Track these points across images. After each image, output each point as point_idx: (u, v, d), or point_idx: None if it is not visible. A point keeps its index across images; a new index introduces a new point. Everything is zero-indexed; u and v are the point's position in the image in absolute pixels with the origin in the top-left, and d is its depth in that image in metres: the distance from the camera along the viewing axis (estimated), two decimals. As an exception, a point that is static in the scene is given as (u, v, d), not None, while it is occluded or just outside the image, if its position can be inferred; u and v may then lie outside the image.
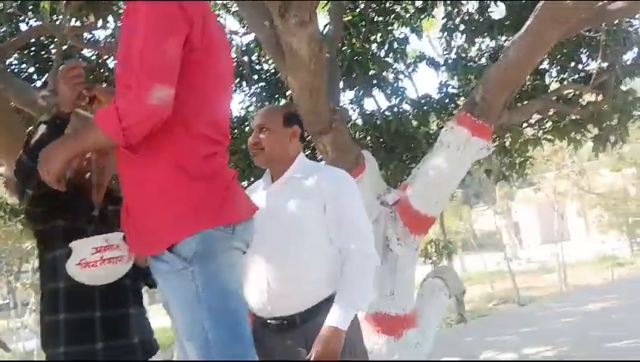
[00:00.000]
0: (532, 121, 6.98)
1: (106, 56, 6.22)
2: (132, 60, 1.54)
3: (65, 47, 6.27)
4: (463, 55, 7.12)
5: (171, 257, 1.56)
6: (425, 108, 6.72)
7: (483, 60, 7.20)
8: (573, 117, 6.72)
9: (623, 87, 6.53)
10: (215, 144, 1.64)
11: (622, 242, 17.91)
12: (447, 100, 7.08)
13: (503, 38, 6.87)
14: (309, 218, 2.17)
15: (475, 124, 3.20)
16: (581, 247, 19.01)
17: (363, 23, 6.72)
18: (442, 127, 7.40)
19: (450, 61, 7.07)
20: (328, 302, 2.19)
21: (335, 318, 2.11)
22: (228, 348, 1.56)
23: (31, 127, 2.34)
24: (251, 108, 7.40)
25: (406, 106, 6.94)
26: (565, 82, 6.77)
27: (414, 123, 6.93)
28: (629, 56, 6.67)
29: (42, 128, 2.14)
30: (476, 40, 6.85)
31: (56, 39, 6.21)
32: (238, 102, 7.92)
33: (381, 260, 3.42)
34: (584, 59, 6.75)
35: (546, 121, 6.92)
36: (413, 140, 6.87)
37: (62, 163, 1.63)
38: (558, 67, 6.93)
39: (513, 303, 11.56)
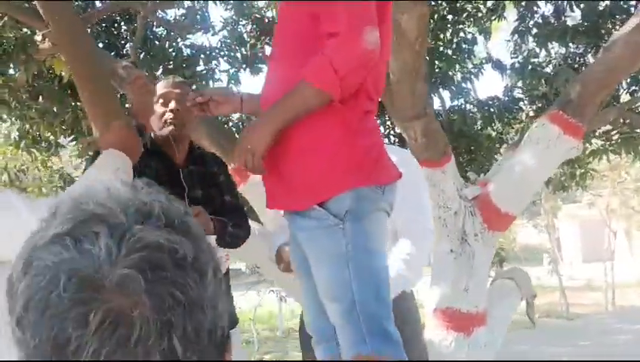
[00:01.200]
0: (599, 132, 6.80)
1: (176, 35, 6.27)
2: (334, 7, 1.46)
3: (136, 24, 6.37)
4: (532, 60, 6.98)
5: (321, 213, 1.51)
6: (491, 110, 6.62)
7: (550, 67, 7.05)
8: (641, 131, 6.53)
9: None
10: (372, 102, 1.59)
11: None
12: (511, 104, 6.98)
13: (574, 45, 6.74)
14: None
15: (568, 122, 3.11)
16: (625, 268, 18.53)
17: (433, 19, 6.65)
18: (502, 132, 7.45)
19: (517, 65, 6.96)
20: None
21: None
22: (372, 310, 1.52)
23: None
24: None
25: (469, 107, 6.87)
26: (636, 94, 6.58)
27: (478, 124, 6.85)
28: None
29: None
30: (548, 45, 6.71)
31: (127, 15, 6.32)
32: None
33: (458, 255, 3.36)
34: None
35: (614, 133, 6.73)
36: (475, 142, 6.79)
37: (268, 141, 1.51)
38: (629, 79, 6.73)
39: (557, 318, 11.34)
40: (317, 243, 1.56)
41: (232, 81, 6.79)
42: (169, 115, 2.25)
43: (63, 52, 3.41)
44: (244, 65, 6.97)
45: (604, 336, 8.40)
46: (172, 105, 2.26)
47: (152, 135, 2.29)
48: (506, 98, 7.02)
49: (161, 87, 2.31)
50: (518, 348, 5.23)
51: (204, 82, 6.47)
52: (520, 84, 7.14)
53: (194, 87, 5.94)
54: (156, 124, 2.26)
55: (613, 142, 6.79)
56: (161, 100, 2.27)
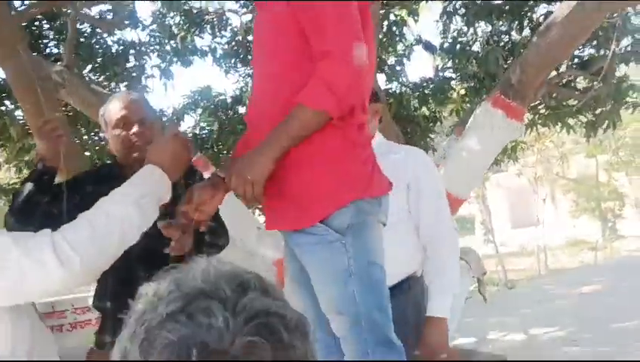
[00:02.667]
0: (528, 107, 7.04)
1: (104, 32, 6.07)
2: (322, 25, 1.44)
3: (58, 22, 6.12)
4: (460, 39, 7.14)
5: (321, 229, 1.50)
6: (425, 91, 6.75)
7: (477, 46, 7.24)
8: (567, 102, 6.81)
9: (618, 74, 6.63)
10: (364, 114, 1.59)
11: (594, 227, 18.36)
12: (443, 84, 7.13)
13: (499, 23, 6.95)
14: (394, 197, 2.16)
15: (510, 105, 3.22)
16: (552, 232, 19.39)
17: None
18: (438, 111, 7.61)
19: (446, 45, 7.11)
20: (407, 281, 2.21)
21: (437, 307, 2.13)
22: (376, 321, 1.54)
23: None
24: (245, 89, 7.36)
25: (404, 89, 6.98)
26: (561, 68, 6.84)
27: (411, 106, 6.96)
28: (623, 43, 6.77)
29: (29, 186, 2.05)
30: (475, 24, 6.88)
31: (50, 14, 6.05)
32: (232, 83, 7.83)
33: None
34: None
35: (542, 107, 6.99)
36: (411, 123, 6.91)
37: (269, 170, 1.47)
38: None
39: (496, 285, 11.76)
40: (318, 259, 1.54)
41: (164, 76, 6.66)
42: (134, 139, 2.10)
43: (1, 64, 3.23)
44: (175, 59, 6.84)
45: (545, 303, 8.81)
46: (135, 129, 2.11)
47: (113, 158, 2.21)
48: (438, 78, 7.17)
49: (115, 109, 2.14)
50: (465, 320, 5.41)
51: (134, 78, 6.32)
52: (450, 64, 7.31)
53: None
54: (118, 149, 2.14)
55: (541, 114, 7.06)
56: (121, 124, 2.12)
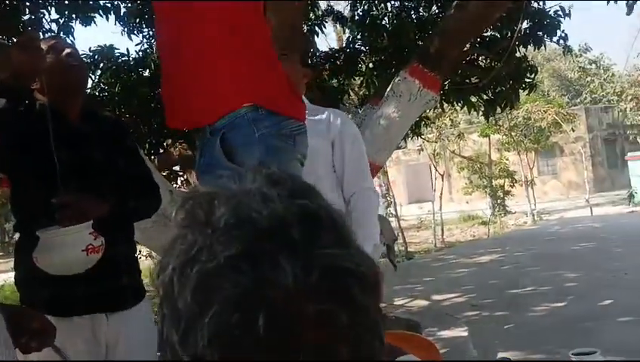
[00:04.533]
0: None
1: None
2: None
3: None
4: (371, 13, 7.20)
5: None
6: (336, 62, 6.77)
7: (386, 20, 7.32)
8: (470, 80, 7.05)
9: (517, 55, 6.94)
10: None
11: (485, 203, 19.33)
12: (354, 56, 7.18)
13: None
14: (319, 155, 2.20)
15: (426, 75, 3.28)
16: (445, 207, 20.25)
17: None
18: (345, 83, 7.67)
19: (357, 17, 7.15)
20: None
21: None
22: None
23: None
24: (150, 51, 7.08)
25: (315, 60, 6.96)
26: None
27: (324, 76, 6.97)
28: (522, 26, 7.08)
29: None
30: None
31: None
32: (136, 44, 7.49)
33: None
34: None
35: (446, 83, 7.20)
36: (321, 94, 6.92)
37: None
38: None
39: (395, 257, 12.13)
40: None
41: (64, 32, 6.27)
42: (67, 59, 2.01)
43: None
44: (74, 15, 6.44)
45: (445, 272, 9.29)
46: (67, 50, 2.04)
47: (38, 91, 2.04)
48: (348, 50, 7.20)
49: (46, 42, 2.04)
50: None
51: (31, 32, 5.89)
52: (359, 36, 7.35)
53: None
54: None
55: (445, 90, 7.27)
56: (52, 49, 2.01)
